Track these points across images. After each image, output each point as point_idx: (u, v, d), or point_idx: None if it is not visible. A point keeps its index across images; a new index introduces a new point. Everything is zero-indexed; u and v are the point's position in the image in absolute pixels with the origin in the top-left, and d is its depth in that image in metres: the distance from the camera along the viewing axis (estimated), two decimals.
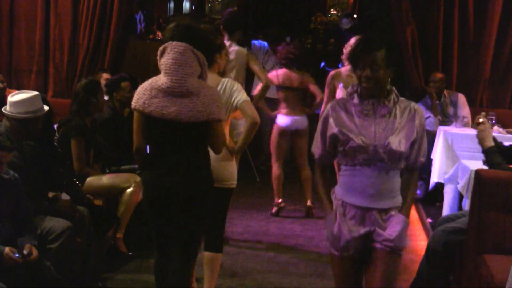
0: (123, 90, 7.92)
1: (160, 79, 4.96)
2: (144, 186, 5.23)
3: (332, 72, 8.33)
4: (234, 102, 5.73)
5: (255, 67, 8.18)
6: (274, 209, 9.42)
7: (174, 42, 5.01)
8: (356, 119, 4.28)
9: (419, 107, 4.41)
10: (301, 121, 9.18)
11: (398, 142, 4.21)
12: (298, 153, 9.44)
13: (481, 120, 6.57)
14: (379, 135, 4.23)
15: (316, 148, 4.50)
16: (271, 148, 9.49)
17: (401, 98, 4.36)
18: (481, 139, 6.27)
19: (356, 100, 4.32)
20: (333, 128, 4.29)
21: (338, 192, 4.44)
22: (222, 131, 5.17)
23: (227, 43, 7.81)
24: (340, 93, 7.86)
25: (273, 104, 9.72)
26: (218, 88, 5.64)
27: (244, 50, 8.40)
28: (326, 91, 8.35)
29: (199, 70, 5.03)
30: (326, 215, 4.50)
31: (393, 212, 4.33)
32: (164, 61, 4.97)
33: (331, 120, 4.34)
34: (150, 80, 5.05)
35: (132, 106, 5.07)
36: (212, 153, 5.28)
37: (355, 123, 4.27)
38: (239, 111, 5.80)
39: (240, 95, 5.76)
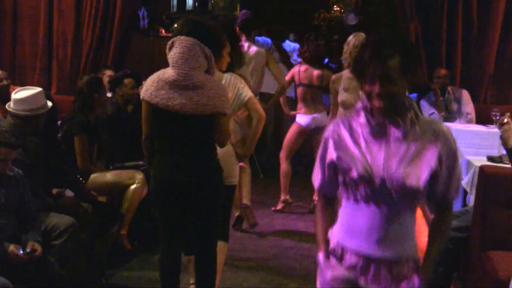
0: (125, 86, 7.93)
1: (168, 72, 5.06)
2: (153, 179, 5.30)
3: (332, 77, 8.05)
4: (241, 98, 5.79)
5: (274, 68, 8.52)
6: (280, 206, 9.43)
7: (182, 37, 5.09)
8: (363, 142, 3.33)
9: (447, 128, 3.38)
10: (321, 118, 9.14)
11: (413, 175, 3.24)
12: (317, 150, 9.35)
13: (505, 120, 6.52)
14: (390, 164, 3.26)
15: (316, 176, 3.63)
16: (284, 144, 9.45)
17: (423, 117, 3.39)
18: (505, 139, 6.21)
19: (363, 119, 3.36)
20: (332, 153, 3.40)
21: (335, 232, 3.49)
22: (226, 125, 5.26)
23: (245, 44, 7.98)
24: (341, 96, 7.58)
25: (290, 103, 9.80)
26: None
27: (263, 50, 8.53)
28: (331, 99, 8.04)
29: (206, 65, 5.12)
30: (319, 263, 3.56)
31: (406, 270, 3.36)
32: (172, 55, 5.07)
33: (330, 143, 3.44)
34: (158, 72, 5.15)
35: (141, 97, 5.17)
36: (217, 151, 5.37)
37: (361, 147, 3.33)
38: (242, 109, 5.90)
39: (246, 92, 5.83)
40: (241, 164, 6.26)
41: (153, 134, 5.26)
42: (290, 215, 9.29)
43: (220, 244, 5.94)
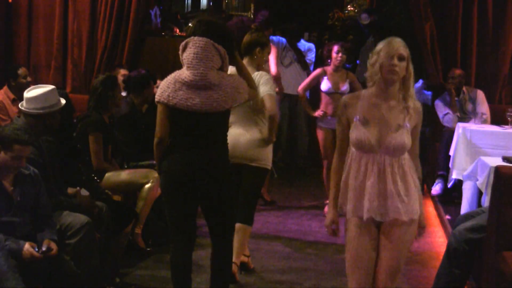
0: (151, 87, 7.96)
1: (183, 73, 5.16)
2: (165, 178, 5.37)
3: (344, 99, 7.74)
4: (260, 92, 6.27)
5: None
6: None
7: (196, 37, 5.20)
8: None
9: None
10: None
11: None
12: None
13: None
14: None
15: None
16: (324, 152, 9.16)
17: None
18: None
19: None
20: None
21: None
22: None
23: None
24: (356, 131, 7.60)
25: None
26: None
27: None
28: (337, 131, 7.84)
29: (220, 63, 5.24)
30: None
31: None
32: (186, 56, 5.17)
33: None
34: (173, 74, 5.24)
35: (156, 99, 5.24)
36: (252, 136, 6.32)
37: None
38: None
39: (265, 87, 6.36)
40: None
41: (166, 138, 5.32)
42: (304, 215, 9.27)
43: (243, 227, 6.52)
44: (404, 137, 4.53)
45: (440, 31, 9.90)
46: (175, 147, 5.32)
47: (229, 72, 5.53)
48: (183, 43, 5.25)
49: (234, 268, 6.47)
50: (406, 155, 4.61)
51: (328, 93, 8.90)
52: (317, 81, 9.00)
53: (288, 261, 7.50)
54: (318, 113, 8.94)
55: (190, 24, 5.64)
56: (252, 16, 15.60)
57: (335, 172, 4.81)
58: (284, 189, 10.18)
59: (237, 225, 6.30)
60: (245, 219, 6.60)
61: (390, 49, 4.49)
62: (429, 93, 10.73)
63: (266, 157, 6.57)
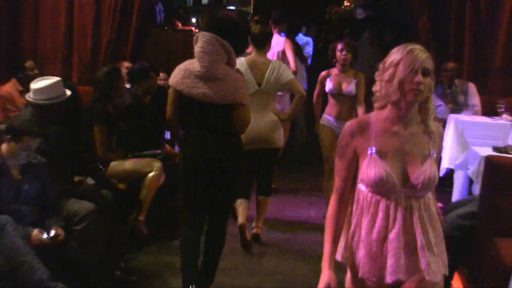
0: (151, 79, 7.97)
1: (194, 63, 5.38)
2: (182, 160, 5.63)
3: None
4: (282, 79, 6.86)
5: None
6: None
7: (204, 32, 5.39)
8: None
9: None
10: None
11: None
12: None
13: None
14: None
15: None
16: (321, 148, 8.51)
17: None
18: None
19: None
20: None
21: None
22: (245, 114, 5.50)
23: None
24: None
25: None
26: (269, 69, 6.92)
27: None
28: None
29: (226, 57, 5.38)
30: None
31: None
32: (196, 49, 5.38)
33: None
34: (187, 62, 5.48)
35: (169, 83, 5.53)
36: (270, 119, 6.66)
37: None
38: None
39: (287, 75, 6.95)
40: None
41: (174, 119, 5.57)
42: (303, 202, 9.31)
43: (265, 199, 7.41)
44: (433, 170, 3.55)
45: (434, 25, 9.91)
46: (189, 134, 5.55)
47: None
48: (195, 36, 5.47)
49: (258, 230, 7.52)
50: (430, 192, 3.66)
51: (331, 94, 8.05)
52: (322, 85, 8.10)
53: (287, 246, 7.57)
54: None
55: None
56: (251, 11, 15.61)
57: (332, 219, 3.67)
58: (284, 178, 10.18)
59: (260, 197, 7.42)
60: (266, 192, 7.45)
61: (413, 61, 3.47)
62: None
63: (281, 137, 7.14)
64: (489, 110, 9.31)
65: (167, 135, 8.58)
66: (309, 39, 10.90)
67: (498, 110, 8.99)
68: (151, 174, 7.22)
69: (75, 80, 9.85)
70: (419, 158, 3.54)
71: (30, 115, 5.86)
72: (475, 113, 9.39)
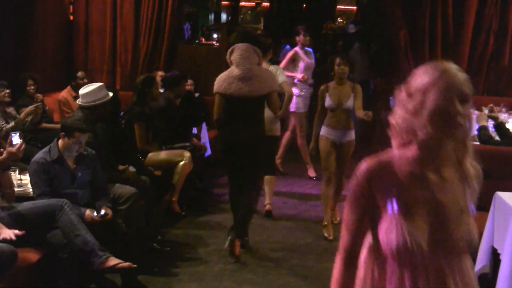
0: (182, 86, 7.99)
1: (234, 70, 5.93)
2: (222, 142, 6.18)
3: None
4: (277, 81, 6.70)
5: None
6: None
7: (240, 44, 5.97)
8: None
9: None
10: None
11: None
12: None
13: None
14: None
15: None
16: (321, 158, 7.26)
17: None
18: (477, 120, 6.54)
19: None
20: None
21: None
22: (276, 98, 6.15)
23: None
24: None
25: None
26: None
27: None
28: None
29: (258, 60, 6.01)
30: None
31: None
32: (234, 57, 5.95)
33: None
34: (226, 72, 6.04)
35: (215, 90, 6.02)
36: (268, 114, 6.38)
37: None
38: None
39: (281, 77, 7.00)
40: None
41: (222, 118, 6.04)
42: (307, 184, 9.24)
43: (270, 177, 7.48)
44: (471, 227, 2.31)
45: (412, 37, 9.87)
46: (227, 123, 6.03)
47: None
48: (230, 49, 6.02)
49: (269, 207, 7.64)
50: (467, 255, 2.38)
51: (330, 109, 6.93)
52: (323, 100, 6.93)
53: (294, 221, 7.55)
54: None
55: (231, 36, 6.28)
56: (261, 27, 15.58)
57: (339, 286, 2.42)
58: (291, 163, 10.14)
59: (267, 177, 7.37)
60: (272, 172, 7.56)
61: (448, 85, 2.26)
62: None
63: (278, 128, 7.12)
64: None
65: (194, 130, 8.57)
66: (310, 50, 10.80)
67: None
68: (181, 163, 7.21)
69: (118, 87, 9.86)
70: (454, 213, 2.29)
71: (80, 115, 5.86)
72: None
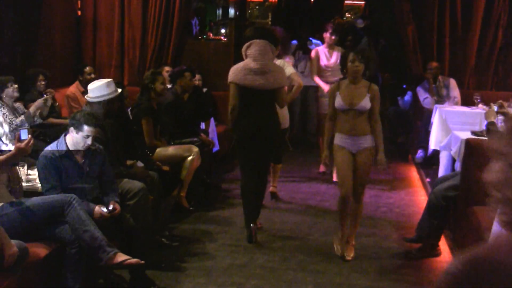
0: (185, 78, 7.94)
1: (250, 63, 6.19)
2: (238, 132, 6.36)
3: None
4: (286, 73, 6.99)
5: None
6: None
7: (258, 40, 6.24)
8: None
9: None
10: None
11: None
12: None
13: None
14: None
15: None
16: (337, 175, 6.76)
17: None
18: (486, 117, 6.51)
19: None
20: None
21: None
22: (284, 93, 6.50)
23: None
24: None
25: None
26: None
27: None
28: None
29: (272, 56, 6.38)
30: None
31: None
32: (251, 52, 6.23)
33: None
34: (241, 64, 6.29)
35: (229, 80, 6.24)
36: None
37: None
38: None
39: (289, 69, 7.44)
40: None
41: (237, 107, 6.23)
42: (314, 180, 9.22)
43: (278, 165, 7.94)
44: None
45: (420, 32, 9.85)
46: (243, 114, 6.25)
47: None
48: (247, 43, 6.28)
49: (274, 189, 8.05)
50: None
51: (341, 110, 6.00)
52: (333, 97, 6.00)
53: (302, 215, 7.52)
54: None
55: (247, 31, 6.53)
56: (270, 23, 15.54)
57: None
58: (298, 159, 10.13)
59: (274, 165, 7.79)
60: (278, 161, 7.90)
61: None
62: (408, 98, 10.85)
63: (284, 121, 7.33)
64: (467, 101, 9.32)
65: (203, 125, 8.57)
66: (319, 42, 10.74)
67: (475, 101, 9.06)
68: (190, 158, 7.22)
69: (126, 82, 9.87)
70: None
71: (88, 110, 5.85)
72: (456, 104, 9.37)
